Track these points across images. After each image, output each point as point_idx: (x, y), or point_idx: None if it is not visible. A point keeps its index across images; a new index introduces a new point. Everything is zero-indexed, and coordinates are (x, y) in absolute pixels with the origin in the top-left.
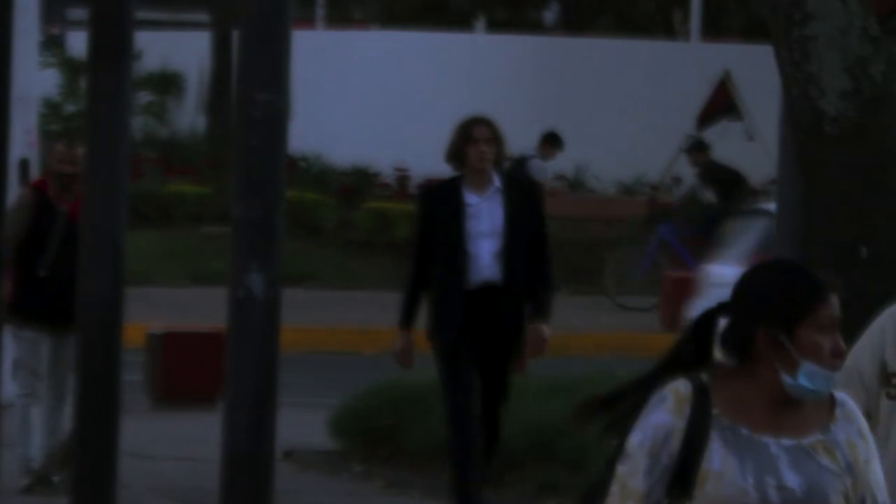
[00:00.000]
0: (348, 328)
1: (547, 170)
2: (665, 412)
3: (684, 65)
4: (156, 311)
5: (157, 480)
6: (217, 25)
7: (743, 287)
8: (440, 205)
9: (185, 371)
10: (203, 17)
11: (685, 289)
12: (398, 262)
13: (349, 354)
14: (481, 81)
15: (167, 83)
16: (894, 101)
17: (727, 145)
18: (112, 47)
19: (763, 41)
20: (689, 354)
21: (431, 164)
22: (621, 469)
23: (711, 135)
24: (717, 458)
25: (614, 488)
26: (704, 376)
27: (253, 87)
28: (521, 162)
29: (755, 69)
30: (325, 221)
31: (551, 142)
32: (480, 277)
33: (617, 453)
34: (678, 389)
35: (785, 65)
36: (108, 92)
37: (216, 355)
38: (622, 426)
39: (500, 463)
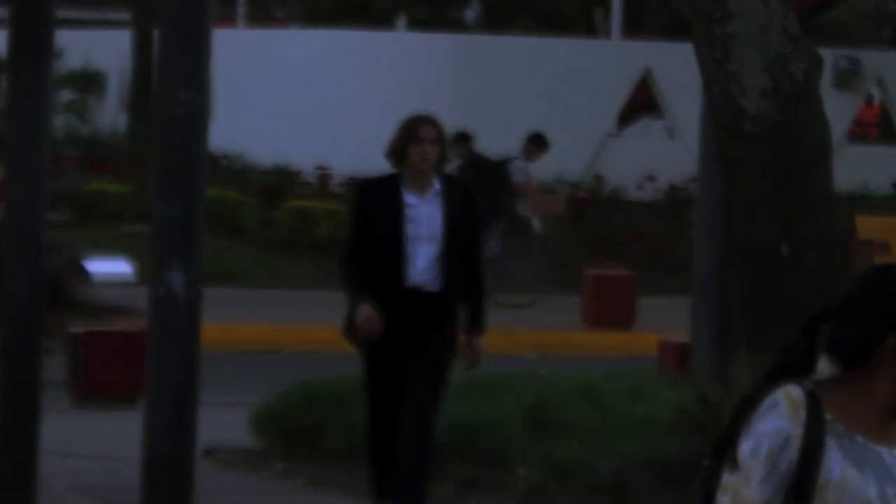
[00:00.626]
0: (270, 327)
1: (530, 171)
2: (779, 418)
3: (605, 63)
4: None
5: (78, 479)
6: (138, 24)
7: (868, 293)
8: (377, 202)
9: (106, 370)
10: (124, 15)
11: (607, 286)
12: (320, 261)
13: (270, 353)
14: (404, 80)
15: (88, 81)
16: (814, 100)
17: (648, 143)
18: (33, 45)
19: (684, 39)
20: (799, 360)
21: (353, 162)
22: (731, 479)
23: (632, 132)
24: (837, 466)
25: (724, 499)
26: (809, 383)
27: (174, 86)
28: (503, 164)
29: (676, 67)
30: (246, 220)
31: (536, 143)
32: (415, 282)
33: (713, 469)
34: (790, 393)
35: (706, 63)
36: (29, 90)
37: (138, 354)
38: (721, 438)
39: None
